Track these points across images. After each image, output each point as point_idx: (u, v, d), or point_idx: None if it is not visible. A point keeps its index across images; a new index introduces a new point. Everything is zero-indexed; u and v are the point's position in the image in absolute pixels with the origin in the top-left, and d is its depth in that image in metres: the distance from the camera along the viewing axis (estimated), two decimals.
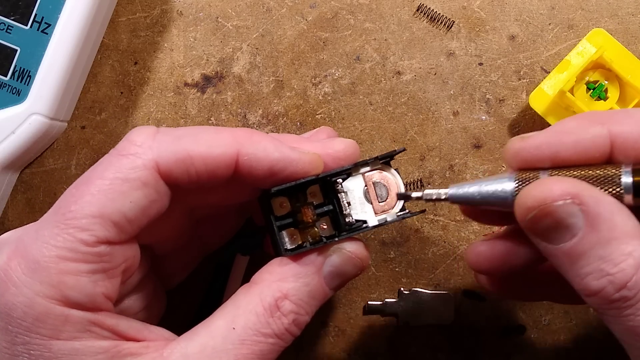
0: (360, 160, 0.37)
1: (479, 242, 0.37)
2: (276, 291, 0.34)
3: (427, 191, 0.36)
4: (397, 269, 0.47)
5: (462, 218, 0.47)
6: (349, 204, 0.36)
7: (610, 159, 0.33)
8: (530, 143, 0.33)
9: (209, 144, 0.34)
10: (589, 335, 0.46)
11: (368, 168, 0.37)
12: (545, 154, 0.33)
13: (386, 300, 0.46)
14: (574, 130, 0.33)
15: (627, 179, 0.32)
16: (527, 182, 0.33)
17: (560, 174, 0.33)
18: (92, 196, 0.32)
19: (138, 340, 0.34)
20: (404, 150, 0.37)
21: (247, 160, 0.34)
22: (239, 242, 0.44)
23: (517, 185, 0.33)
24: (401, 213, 0.37)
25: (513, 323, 0.46)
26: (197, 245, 0.43)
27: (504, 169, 0.47)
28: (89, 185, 0.33)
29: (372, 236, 0.47)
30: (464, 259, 0.38)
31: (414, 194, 0.37)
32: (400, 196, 0.37)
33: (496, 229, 0.46)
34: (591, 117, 0.33)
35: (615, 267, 0.30)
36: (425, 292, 0.46)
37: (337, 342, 0.47)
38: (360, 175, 0.37)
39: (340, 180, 0.36)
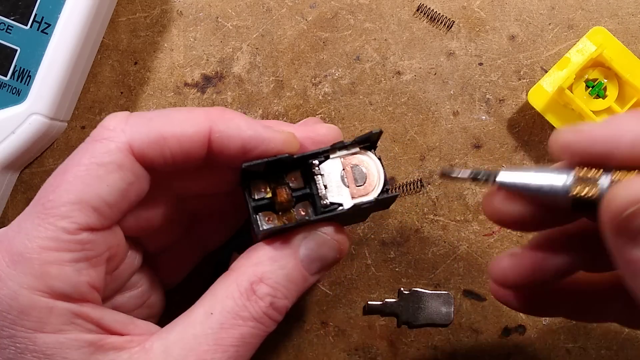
0: (338, 142, 0.36)
1: (503, 256, 0.34)
2: (251, 275, 0.34)
3: (475, 170, 0.33)
4: (397, 269, 0.47)
5: (462, 218, 0.47)
6: (325, 186, 0.35)
7: None
8: (585, 137, 0.30)
9: (182, 124, 0.34)
10: (589, 336, 0.46)
11: (345, 151, 0.37)
12: (599, 151, 0.30)
13: (386, 300, 0.46)
14: (634, 128, 0.29)
15: None
16: (587, 180, 0.30)
17: (628, 175, 0.30)
18: (69, 183, 0.32)
19: (122, 335, 0.33)
20: (381, 132, 0.36)
21: (219, 138, 0.34)
22: (236, 241, 0.44)
23: (574, 180, 0.30)
24: (378, 196, 0.36)
25: (513, 323, 0.46)
26: (195, 244, 0.43)
27: (504, 168, 0.47)
28: (65, 173, 0.32)
29: (372, 236, 0.47)
30: (489, 274, 0.36)
31: (459, 174, 0.34)
32: (443, 174, 0.35)
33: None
34: None
35: None
36: (425, 292, 0.46)
37: (337, 342, 0.47)
38: (338, 159, 0.36)
39: (316, 162, 0.35)
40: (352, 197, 0.36)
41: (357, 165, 0.37)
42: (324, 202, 0.35)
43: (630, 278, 0.28)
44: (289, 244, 0.35)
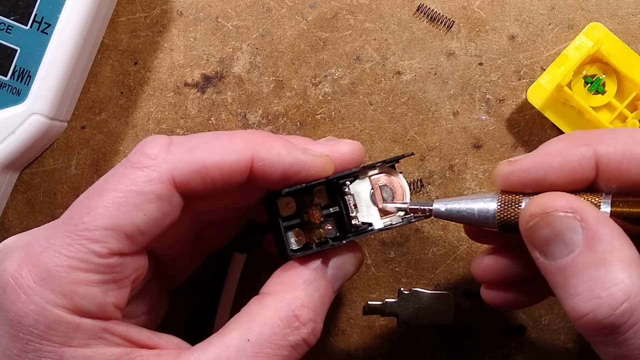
0: (368, 163, 0.38)
1: (483, 256, 0.38)
2: (292, 301, 0.34)
3: (411, 203, 0.37)
4: (397, 269, 0.47)
5: None
6: (355, 206, 0.36)
7: (595, 181, 0.33)
8: (519, 167, 0.34)
9: (223, 152, 0.34)
10: None
11: (375, 171, 0.38)
12: (534, 177, 0.34)
13: (386, 300, 0.46)
14: (561, 152, 0.33)
15: (605, 209, 0.32)
16: (510, 204, 0.34)
17: None
18: (106, 208, 0.32)
19: (149, 347, 0.34)
20: (412, 154, 0.38)
21: (261, 166, 0.34)
22: (237, 241, 0.44)
23: (499, 206, 0.35)
24: (407, 216, 0.38)
25: (513, 323, 0.46)
26: (201, 247, 0.43)
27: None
28: (102, 196, 0.32)
29: (372, 236, 0.47)
30: (472, 274, 0.39)
31: (398, 205, 0.37)
32: (386, 206, 0.38)
33: None
34: (576, 138, 0.34)
35: (605, 291, 0.29)
36: (425, 292, 0.46)
37: (337, 342, 0.47)
38: (367, 178, 0.38)
39: (348, 182, 0.36)
40: (381, 217, 0.37)
41: (385, 185, 0.38)
42: (355, 222, 0.36)
43: (549, 283, 0.32)
44: (318, 264, 0.36)
